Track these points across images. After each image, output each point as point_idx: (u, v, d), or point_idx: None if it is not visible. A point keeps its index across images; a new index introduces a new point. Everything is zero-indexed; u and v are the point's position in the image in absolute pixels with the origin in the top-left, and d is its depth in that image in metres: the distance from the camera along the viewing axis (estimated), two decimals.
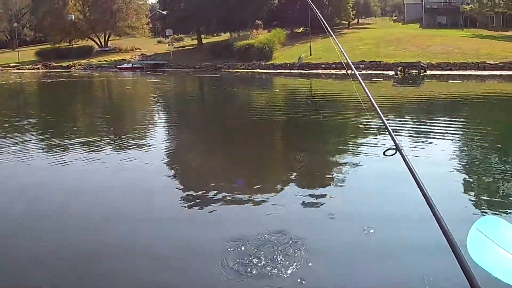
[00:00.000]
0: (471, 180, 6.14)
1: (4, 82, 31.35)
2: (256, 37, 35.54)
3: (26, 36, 63.38)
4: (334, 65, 28.28)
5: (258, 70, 31.50)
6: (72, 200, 5.59)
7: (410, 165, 1.73)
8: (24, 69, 45.24)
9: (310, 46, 31.55)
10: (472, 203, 5.14)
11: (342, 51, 2.72)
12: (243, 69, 32.70)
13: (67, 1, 48.28)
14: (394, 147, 1.83)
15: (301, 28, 41.87)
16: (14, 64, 47.62)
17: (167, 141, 9.60)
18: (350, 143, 8.79)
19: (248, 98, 18.82)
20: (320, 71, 28.15)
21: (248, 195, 5.51)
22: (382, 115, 2.08)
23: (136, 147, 8.37)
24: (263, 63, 32.22)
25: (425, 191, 1.59)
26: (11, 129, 11.02)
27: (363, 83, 2.31)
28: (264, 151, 8.36)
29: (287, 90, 21.90)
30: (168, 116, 14.55)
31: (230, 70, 33.18)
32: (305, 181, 6.22)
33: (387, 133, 1.94)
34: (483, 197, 5.44)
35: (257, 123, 11.65)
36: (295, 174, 6.64)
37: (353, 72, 2.52)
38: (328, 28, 3.06)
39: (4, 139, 9.74)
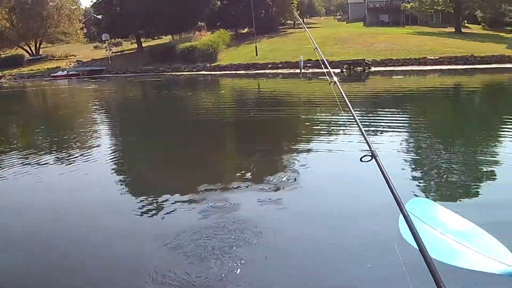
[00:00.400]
0: (413, 164, 6.39)
1: None
2: (200, 39, 35.38)
3: None
4: (280, 65, 28.69)
5: (203, 72, 31.32)
6: (12, 218, 5.27)
7: (385, 172, 1.77)
8: None
9: (256, 47, 31.82)
10: (413, 186, 5.31)
11: (318, 50, 2.96)
12: (187, 71, 32.38)
13: None
14: (370, 153, 1.87)
15: (245, 29, 42.21)
16: None
17: (108, 148, 9.26)
18: (303, 139, 8.88)
19: (191, 101, 18.49)
20: (267, 71, 28.44)
21: (196, 195, 5.41)
22: (358, 121, 2.18)
23: (75, 157, 8.11)
24: (208, 65, 32.07)
25: (398, 198, 1.64)
26: None
27: (339, 85, 2.50)
28: (208, 152, 8.25)
29: (233, 91, 21.79)
30: (107, 122, 14.08)
31: (173, 73, 32.78)
32: (255, 177, 6.14)
33: (362, 137, 2.03)
34: (423, 180, 5.65)
35: (200, 124, 11.49)
36: (243, 171, 6.57)
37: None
38: (303, 24, 3.10)
39: None
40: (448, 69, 24.50)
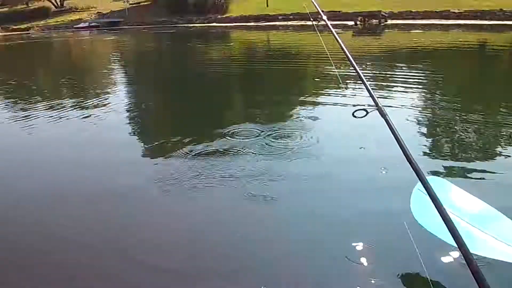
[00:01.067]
0: (432, 133, 5.07)
1: None
2: None
3: None
4: (292, 16, 25.40)
5: (214, 24, 28.64)
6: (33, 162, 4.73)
7: (392, 126, 1.60)
8: None
9: None
10: (428, 159, 4.10)
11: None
12: (198, 23, 29.74)
13: None
14: (373, 106, 1.64)
15: None
16: None
17: (123, 99, 8.77)
18: (311, 93, 7.66)
19: (200, 53, 16.62)
20: (277, 23, 25.24)
21: (208, 149, 4.63)
22: (357, 68, 1.93)
23: (94, 107, 7.58)
24: (219, 17, 29.10)
25: (408, 152, 1.54)
26: None
27: (334, 33, 2.12)
28: (218, 103, 7.54)
29: (241, 44, 19.46)
30: (123, 73, 13.51)
31: (185, 25, 30.32)
32: (266, 129, 5.28)
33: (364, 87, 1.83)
34: (439, 153, 4.37)
35: (209, 76, 10.61)
36: (255, 124, 5.67)
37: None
38: None
39: None
40: (473, 24, 20.81)
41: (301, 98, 7.00)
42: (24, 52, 24.10)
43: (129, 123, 6.40)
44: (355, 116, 1.59)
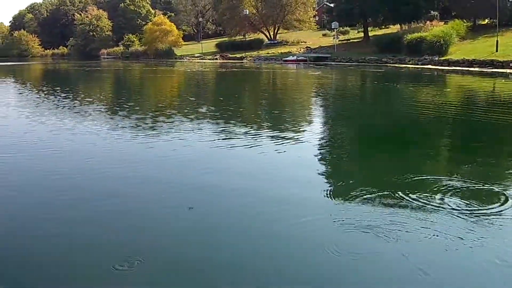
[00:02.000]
0: None
1: (189, 70, 36.12)
2: (430, 30, 31.43)
3: (208, 29, 69.75)
4: None
5: (429, 66, 27.79)
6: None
7: None
8: (205, 59, 49.84)
9: (497, 41, 26.34)
10: None
11: None
12: (411, 64, 29.37)
13: None
14: None
15: (486, 20, 35.68)
16: (198, 55, 53.05)
17: (318, 135, 9.37)
18: None
19: (410, 96, 16.37)
20: (508, 70, 23.12)
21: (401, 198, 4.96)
22: None
23: (287, 139, 8.50)
24: (436, 59, 28.24)
25: None
26: (192, 115, 12.06)
27: None
28: (420, 155, 7.36)
29: (461, 90, 18.37)
30: (323, 109, 14.42)
31: (396, 65, 30.29)
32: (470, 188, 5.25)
33: None
34: None
35: (415, 122, 10.56)
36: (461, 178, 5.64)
37: None
38: None
39: (185, 124, 10.59)
40: None
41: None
42: (236, 79, 27.68)
43: (319, 160, 7.01)
44: None
